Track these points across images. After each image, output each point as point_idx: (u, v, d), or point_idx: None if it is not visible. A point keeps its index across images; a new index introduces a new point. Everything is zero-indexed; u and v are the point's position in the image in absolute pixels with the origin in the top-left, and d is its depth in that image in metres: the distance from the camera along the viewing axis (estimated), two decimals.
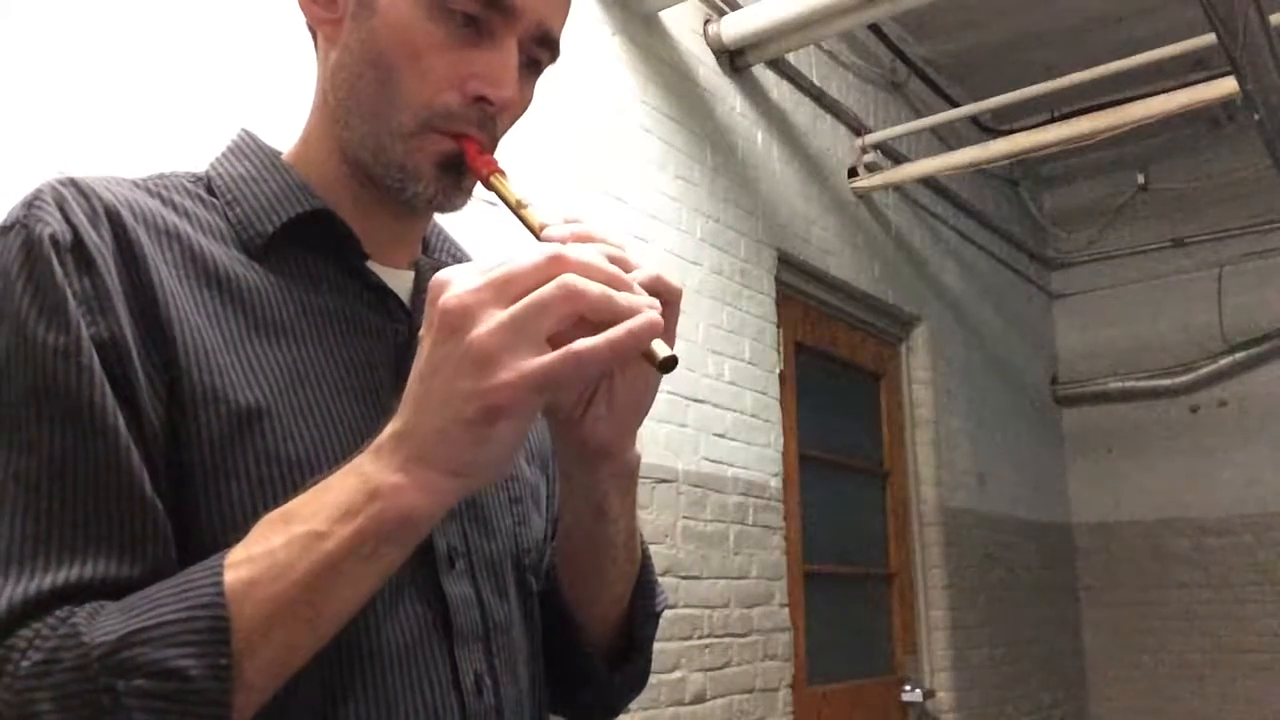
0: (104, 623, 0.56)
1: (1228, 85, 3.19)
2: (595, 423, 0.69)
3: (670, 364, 0.58)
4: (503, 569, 0.76)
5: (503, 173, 0.71)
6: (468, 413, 0.56)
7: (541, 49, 0.75)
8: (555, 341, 0.56)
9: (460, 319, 0.56)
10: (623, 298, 0.57)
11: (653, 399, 0.70)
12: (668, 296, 0.62)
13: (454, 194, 0.75)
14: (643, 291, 0.60)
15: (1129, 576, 5.37)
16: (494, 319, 0.55)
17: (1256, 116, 3.16)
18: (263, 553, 0.57)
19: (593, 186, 2.64)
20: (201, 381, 0.65)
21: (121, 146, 1.64)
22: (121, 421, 0.61)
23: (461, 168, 0.73)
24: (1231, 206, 5.20)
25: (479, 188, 0.75)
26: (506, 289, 0.56)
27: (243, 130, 0.81)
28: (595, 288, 0.56)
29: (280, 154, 0.79)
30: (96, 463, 0.60)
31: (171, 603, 0.56)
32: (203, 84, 1.78)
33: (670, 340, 0.61)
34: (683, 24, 3.11)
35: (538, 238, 0.64)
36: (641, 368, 0.60)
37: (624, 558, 0.79)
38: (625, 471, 0.74)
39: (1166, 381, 5.29)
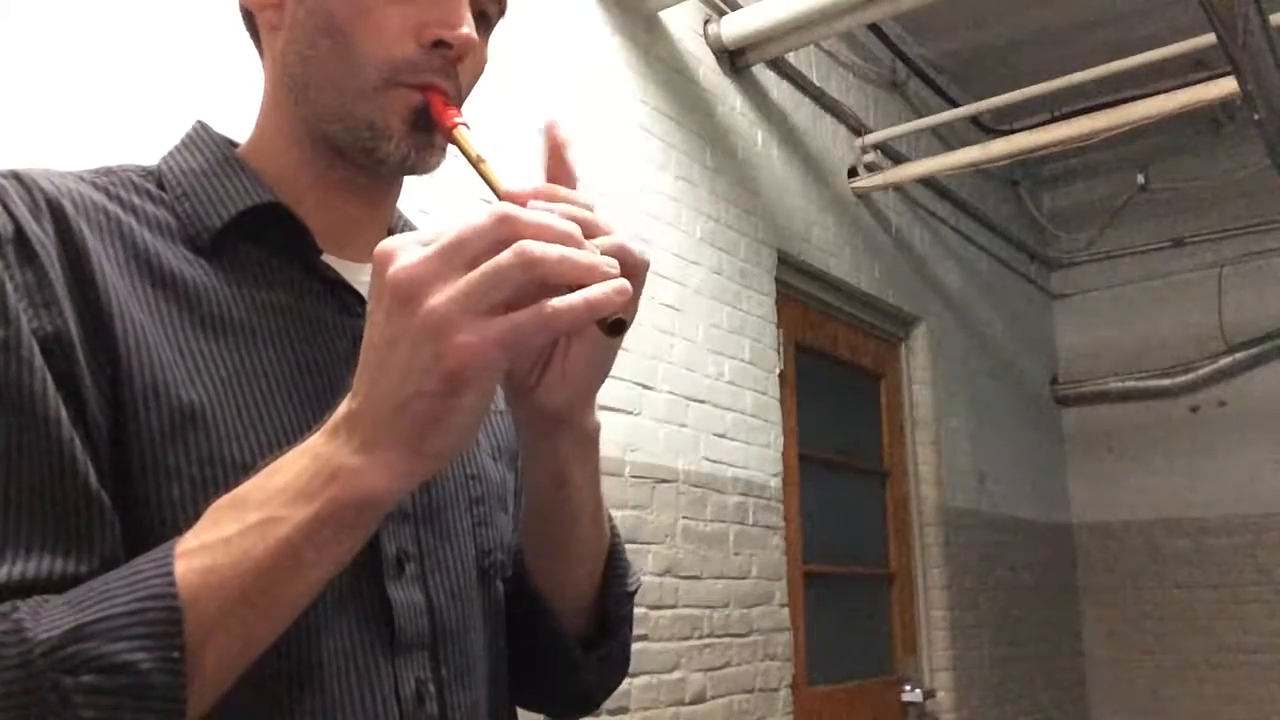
0: (49, 617, 0.53)
1: (1228, 85, 3.19)
2: (550, 390, 0.67)
3: (618, 327, 0.56)
4: (460, 572, 0.74)
5: (466, 125, 0.70)
6: (429, 384, 0.53)
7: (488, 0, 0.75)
8: (512, 308, 0.54)
9: (413, 288, 0.53)
10: (583, 256, 0.54)
11: (610, 363, 0.68)
12: (632, 268, 0.58)
13: (426, 152, 0.72)
14: (599, 254, 0.56)
15: (1129, 576, 5.37)
16: (449, 286, 0.53)
17: (1256, 116, 3.16)
18: (216, 540, 0.55)
19: (593, 187, 2.64)
20: (143, 377, 0.62)
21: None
22: (65, 415, 0.59)
23: (430, 123, 0.70)
24: (1231, 206, 5.19)
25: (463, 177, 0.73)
26: (457, 255, 0.53)
27: (198, 122, 0.79)
28: (554, 253, 0.53)
29: (236, 145, 0.77)
30: (40, 456, 0.58)
31: (121, 594, 0.54)
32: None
33: (631, 314, 0.59)
34: (683, 24, 3.11)
35: (499, 195, 0.60)
36: (594, 332, 0.57)
37: (590, 531, 0.77)
38: (585, 439, 0.71)
39: (1166, 381, 5.28)
